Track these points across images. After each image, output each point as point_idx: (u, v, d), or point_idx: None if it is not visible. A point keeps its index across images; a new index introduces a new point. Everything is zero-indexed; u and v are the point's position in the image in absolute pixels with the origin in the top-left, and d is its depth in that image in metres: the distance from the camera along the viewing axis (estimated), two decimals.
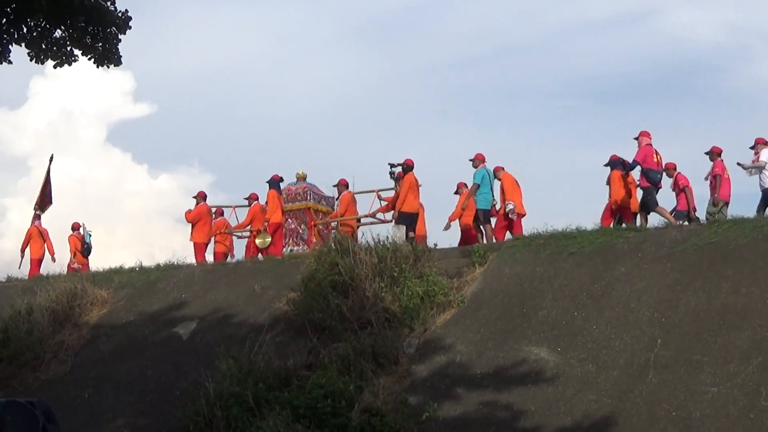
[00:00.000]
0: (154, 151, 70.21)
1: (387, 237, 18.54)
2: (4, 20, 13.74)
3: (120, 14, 14.22)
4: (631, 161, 19.97)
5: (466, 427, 13.64)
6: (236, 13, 69.05)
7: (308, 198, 22.95)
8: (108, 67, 14.49)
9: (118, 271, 21.52)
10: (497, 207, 21.20)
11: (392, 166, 21.39)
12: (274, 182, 22.69)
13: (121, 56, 14.50)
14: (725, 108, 61.56)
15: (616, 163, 20.55)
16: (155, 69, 68.97)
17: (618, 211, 20.28)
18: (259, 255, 21.96)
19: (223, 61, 67.20)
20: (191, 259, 22.39)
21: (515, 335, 15.31)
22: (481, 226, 20.77)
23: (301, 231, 22.68)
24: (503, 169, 21.34)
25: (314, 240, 22.09)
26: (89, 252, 25.34)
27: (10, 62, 13.93)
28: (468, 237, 21.32)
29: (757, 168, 19.47)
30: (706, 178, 20.43)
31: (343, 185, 22.85)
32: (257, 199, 23.40)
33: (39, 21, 13.86)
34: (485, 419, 13.64)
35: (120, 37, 14.38)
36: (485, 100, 67.18)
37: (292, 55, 68.74)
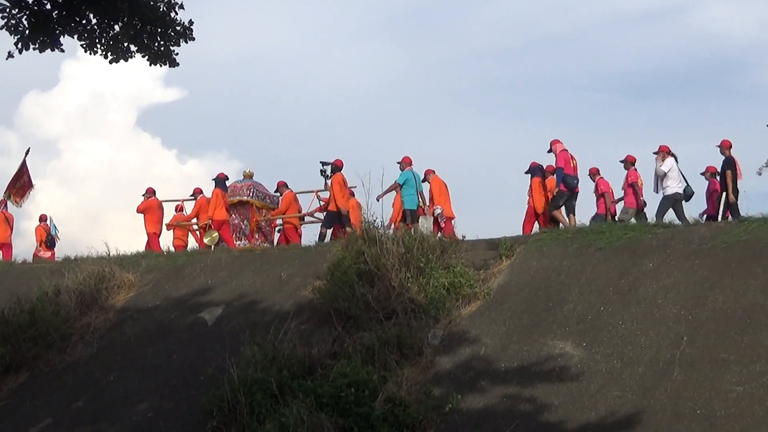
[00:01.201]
0: (184, 136, 70.56)
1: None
2: (56, 11, 13.88)
3: (182, 23, 14.30)
4: (554, 168, 20.87)
5: (489, 419, 13.65)
6: (268, 2, 69.13)
7: (251, 195, 24.14)
8: (162, 65, 14.57)
9: (146, 255, 21.67)
10: (425, 209, 21.97)
11: (324, 164, 22.65)
12: (220, 181, 23.85)
13: (176, 57, 14.53)
14: (756, 105, 61.17)
15: (536, 170, 21.48)
16: (186, 54, 69.07)
17: (538, 217, 21.22)
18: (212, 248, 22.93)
19: (253, 49, 67.48)
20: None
21: (540, 329, 15.30)
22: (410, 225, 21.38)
23: (243, 227, 23.96)
24: (434, 172, 22.22)
25: (255, 236, 23.68)
26: (53, 244, 26.42)
27: (62, 50, 14.02)
28: None
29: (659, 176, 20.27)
30: (623, 188, 21.27)
31: (282, 186, 24.05)
32: (201, 192, 24.69)
33: (89, 15, 13.98)
34: (509, 412, 13.65)
35: (181, 42, 14.44)
36: (514, 93, 67.06)
37: (323, 45, 68.94)
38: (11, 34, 13.73)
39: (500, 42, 66.45)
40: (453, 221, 21.75)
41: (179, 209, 25.80)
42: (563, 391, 13.77)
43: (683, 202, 20.15)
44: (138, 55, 14.46)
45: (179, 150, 78.13)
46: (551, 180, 21.40)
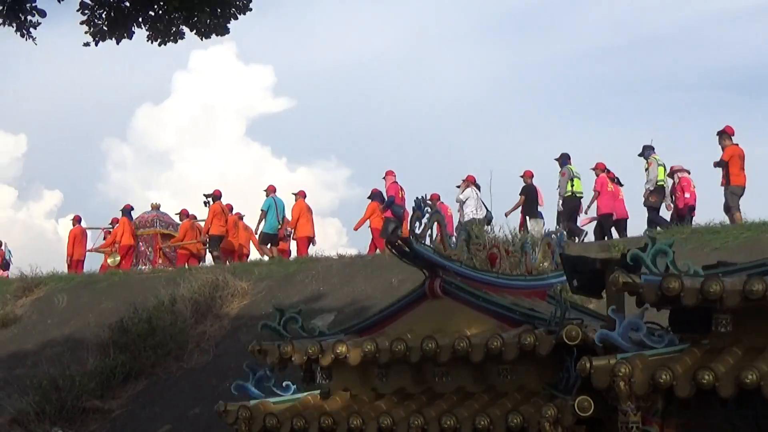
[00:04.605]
0: (293, 145, 71.58)
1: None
2: (130, 5, 15.15)
3: None
4: (386, 197, 23.53)
5: None
6: (374, 7, 69.64)
7: (156, 225, 27.73)
8: (210, 38, 15.51)
9: (258, 264, 22.32)
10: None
11: (206, 196, 25.82)
12: (126, 211, 27.60)
13: (228, 27, 15.49)
14: None
15: (375, 195, 24.08)
16: (295, 64, 70.23)
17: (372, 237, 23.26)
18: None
19: (361, 55, 68.08)
20: (328, 252, 23.76)
21: None
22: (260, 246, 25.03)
23: (148, 253, 27.42)
24: (303, 197, 25.13)
25: (159, 260, 26.96)
26: (8, 266, 30.19)
27: (129, 38, 15.22)
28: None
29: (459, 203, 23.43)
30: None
31: (183, 214, 27.44)
32: (117, 222, 27.92)
33: (163, 7, 14.70)
34: None
35: (238, 15, 15.41)
36: (620, 93, 66.12)
37: (429, 48, 69.19)
38: (89, 27, 15.07)
39: (606, 41, 65.59)
40: (310, 240, 24.72)
41: (106, 235, 28.71)
42: None
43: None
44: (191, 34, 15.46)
45: (288, 158, 79.39)
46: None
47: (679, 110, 63.92)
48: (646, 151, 21.64)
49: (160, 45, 15.39)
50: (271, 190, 25.35)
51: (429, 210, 8.35)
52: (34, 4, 15.16)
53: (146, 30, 15.24)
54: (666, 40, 64.74)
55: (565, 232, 13.34)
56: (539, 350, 7.50)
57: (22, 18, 15.12)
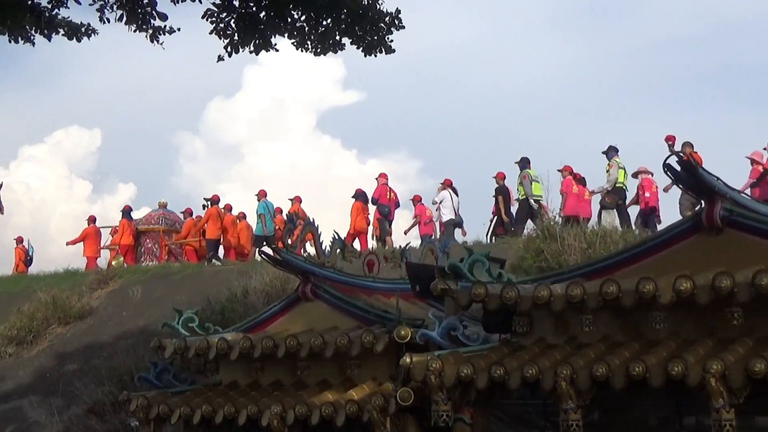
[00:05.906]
0: (363, 137, 73.09)
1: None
2: (263, 12, 15.30)
3: (390, 12, 15.47)
4: (371, 198, 25.58)
5: None
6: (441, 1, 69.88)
7: (161, 223, 30.10)
8: (376, 55, 15.80)
9: None
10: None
11: (206, 200, 28.12)
12: (126, 212, 29.97)
13: (392, 45, 15.79)
14: None
15: (359, 195, 25.84)
16: (364, 57, 70.76)
17: (356, 236, 24.69)
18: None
19: (430, 47, 68.20)
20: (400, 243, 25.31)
21: None
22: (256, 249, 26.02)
23: (155, 249, 29.66)
24: (299, 203, 27.50)
25: (165, 257, 29.11)
26: (31, 263, 31.79)
27: (276, 50, 15.68)
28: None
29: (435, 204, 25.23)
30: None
31: (188, 213, 29.93)
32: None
33: (295, 13, 15.27)
34: None
35: (392, 30, 15.65)
36: (696, 82, 64.17)
37: (500, 39, 69.12)
38: (220, 38, 15.24)
39: (685, 29, 63.73)
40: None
41: (114, 232, 30.69)
42: None
43: (455, 227, 24.82)
44: (352, 47, 15.68)
45: (359, 150, 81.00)
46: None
47: (759, 99, 61.75)
48: (610, 152, 22.80)
49: (316, 55, 15.61)
50: (262, 195, 27.53)
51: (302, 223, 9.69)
52: (155, 7, 15.18)
53: (291, 40, 15.38)
54: (747, 27, 62.72)
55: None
56: (376, 347, 8.67)
57: (147, 23, 15.14)
